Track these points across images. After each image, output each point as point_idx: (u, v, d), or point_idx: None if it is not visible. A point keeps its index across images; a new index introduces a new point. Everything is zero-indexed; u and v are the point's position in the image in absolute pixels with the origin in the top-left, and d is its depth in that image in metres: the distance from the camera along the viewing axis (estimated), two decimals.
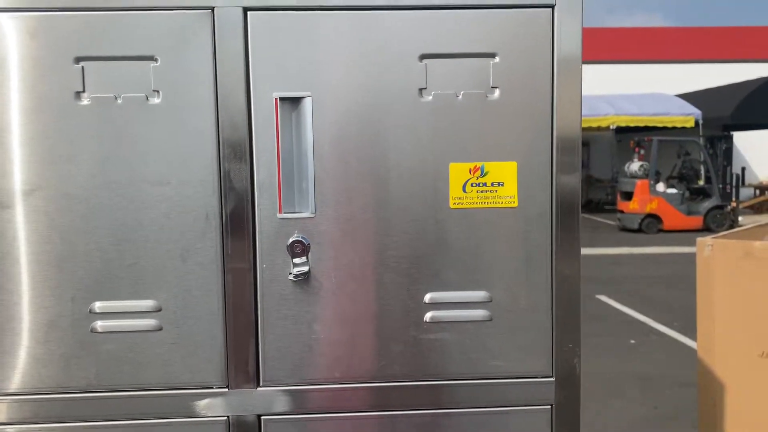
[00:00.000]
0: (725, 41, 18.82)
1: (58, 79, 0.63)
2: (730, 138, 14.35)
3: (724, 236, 2.62)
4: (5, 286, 0.65)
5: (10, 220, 0.65)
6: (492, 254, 0.66)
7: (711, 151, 14.02)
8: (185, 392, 0.66)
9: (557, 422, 0.68)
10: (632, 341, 5.78)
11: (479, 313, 0.67)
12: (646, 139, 13.31)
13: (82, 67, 0.63)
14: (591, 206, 18.29)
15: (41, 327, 0.65)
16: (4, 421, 0.66)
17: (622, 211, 13.56)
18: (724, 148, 14.16)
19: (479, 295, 0.66)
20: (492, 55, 0.65)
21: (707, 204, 13.12)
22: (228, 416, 0.67)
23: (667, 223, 11.70)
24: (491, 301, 0.67)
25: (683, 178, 13.60)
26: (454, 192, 0.65)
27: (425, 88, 0.65)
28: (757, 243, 2.28)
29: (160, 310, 0.65)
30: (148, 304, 0.65)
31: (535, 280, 0.66)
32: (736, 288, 2.30)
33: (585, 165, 18.25)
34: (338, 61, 0.65)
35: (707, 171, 13.30)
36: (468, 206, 0.65)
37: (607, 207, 17.32)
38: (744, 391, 2.27)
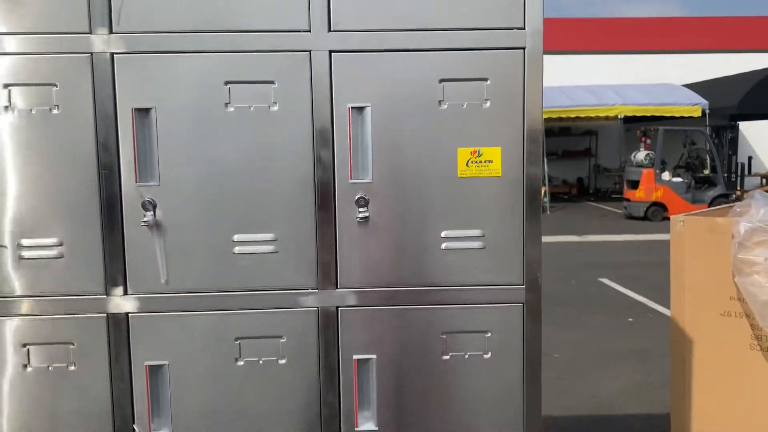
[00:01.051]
0: (733, 31, 18.96)
1: (213, 95, 1.03)
2: (736, 128, 14.56)
3: (694, 214, 3.00)
4: (184, 223, 1.05)
5: (195, 181, 1.04)
6: (485, 206, 1.05)
7: (716, 141, 14.25)
8: (292, 291, 1.05)
9: (526, 315, 1.07)
10: (630, 319, 6.21)
11: (476, 244, 1.06)
12: (652, 128, 13.57)
13: (229, 88, 1.02)
14: (599, 195, 18.55)
15: (202, 249, 1.05)
16: (173, 309, 1.06)
17: (628, 200, 13.86)
18: (729, 137, 14.38)
19: (476, 232, 1.06)
20: (485, 79, 1.03)
21: (712, 192, 13.40)
22: (318, 307, 1.06)
23: (672, 211, 11.99)
24: (484, 236, 1.06)
25: (689, 167, 13.86)
26: (461, 166, 1.04)
27: (442, 100, 1.04)
28: (720, 219, 2.64)
29: (276, 240, 1.05)
30: (269, 236, 1.05)
31: (512, 222, 1.05)
32: (701, 258, 2.67)
33: (592, 154, 18.49)
34: (388, 82, 1.04)
35: (712, 160, 13.56)
36: (469, 176, 1.04)
37: (614, 196, 17.54)
38: (708, 345, 2.65)
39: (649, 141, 13.69)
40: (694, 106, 14.98)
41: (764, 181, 16.34)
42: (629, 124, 17.38)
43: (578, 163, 18.23)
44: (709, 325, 2.62)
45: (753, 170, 16.63)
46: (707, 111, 15.02)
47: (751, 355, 2.49)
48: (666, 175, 13.55)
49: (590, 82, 15.54)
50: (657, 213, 13.46)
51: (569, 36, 15.91)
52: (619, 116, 17.25)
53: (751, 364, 2.51)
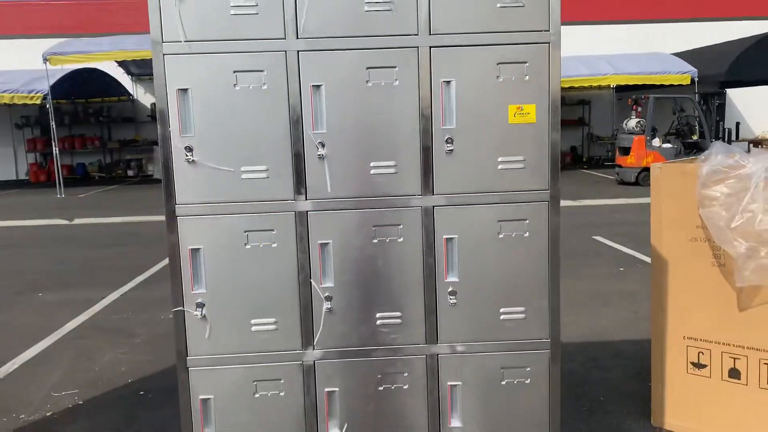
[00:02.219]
0: None
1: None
2: (724, 95, 15.18)
3: (668, 162, 3.72)
4: (341, 156, 1.71)
5: (347, 130, 1.71)
6: (525, 141, 1.73)
7: (705, 108, 14.91)
8: (405, 196, 1.74)
9: (550, 209, 1.76)
10: (621, 269, 7.02)
11: (519, 165, 1.73)
12: (643, 97, 14.20)
13: (369, 71, 1.69)
14: (592, 163, 19.21)
15: (351, 171, 1.73)
16: (334, 208, 1.73)
17: (620, 166, 14.59)
18: (717, 104, 15.04)
19: (520, 157, 1.73)
20: (525, 62, 1.71)
21: None
22: (421, 206, 1.75)
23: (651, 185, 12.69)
24: (524, 159, 1.74)
25: (678, 133, 14.56)
26: (510, 116, 1.71)
27: (499, 76, 1.71)
28: (688, 164, 3.34)
29: (396, 165, 1.72)
30: (392, 162, 1.72)
31: (541, 150, 1.73)
32: (675, 196, 3.37)
33: (586, 123, 19.09)
34: (466, 65, 1.71)
35: (701, 126, 14.24)
36: (515, 122, 1.72)
37: (607, 163, 18.23)
38: (679, 263, 3.37)
39: (640, 109, 14.37)
40: (683, 74, 15.59)
41: (751, 146, 17.03)
42: (621, 93, 18.01)
43: (572, 132, 18.82)
44: (680, 248, 3.36)
45: (740, 136, 17.33)
46: (696, 79, 15.58)
47: (711, 269, 3.23)
48: (656, 142, 14.27)
49: (583, 52, 16.10)
50: (647, 178, 14.22)
51: (563, 8, 16.40)
52: (612, 86, 17.88)
53: (712, 276, 3.25)
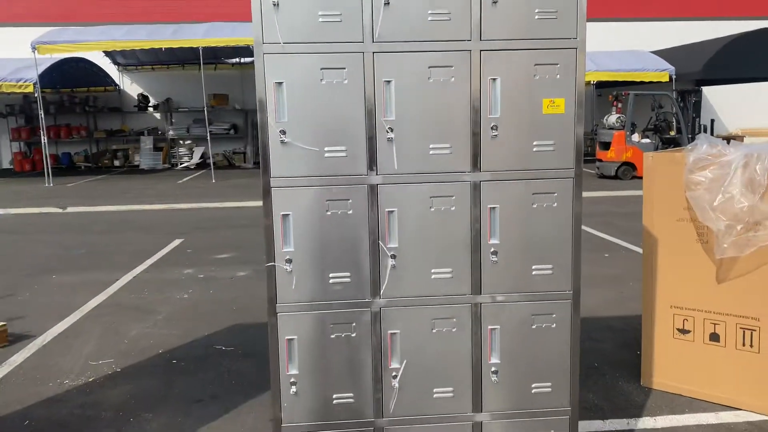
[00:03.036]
0: (698, 0, 20.03)
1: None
2: (700, 92, 15.81)
3: (659, 152, 4.17)
4: (405, 138, 2.10)
5: (411, 117, 2.10)
6: (556, 129, 2.13)
7: (682, 105, 15.53)
8: (457, 172, 2.13)
9: (575, 185, 2.17)
10: (606, 255, 7.55)
11: (550, 148, 2.14)
12: (623, 93, 14.77)
13: (431, 70, 2.08)
14: None
15: (414, 151, 2.12)
16: (400, 182, 2.11)
17: (600, 160, 15.18)
18: (693, 101, 15.67)
19: (550, 141, 2.14)
20: (556, 64, 2.11)
21: None
22: (470, 181, 2.15)
23: (641, 170, 13.21)
24: (554, 144, 2.14)
25: (657, 129, 15.18)
26: (544, 108, 2.11)
27: (536, 75, 2.11)
28: (677, 154, 3.79)
29: (450, 147, 2.12)
30: (447, 145, 2.11)
31: (569, 137, 2.14)
32: (664, 182, 3.82)
33: None
34: (511, 65, 2.11)
35: (678, 123, 14.86)
36: (548, 113, 2.12)
37: (588, 158, 18.78)
38: (668, 241, 3.82)
39: (620, 105, 14.96)
40: (661, 71, 16.16)
41: (725, 141, 17.58)
42: (602, 89, 18.57)
43: None
44: (669, 227, 3.81)
45: (715, 132, 18.03)
46: (674, 76, 16.18)
47: (695, 246, 3.68)
48: (635, 137, 14.89)
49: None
50: (627, 172, 14.85)
51: None
52: (593, 82, 18.42)
53: (696, 252, 3.71)
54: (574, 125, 2.14)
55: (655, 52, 17.01)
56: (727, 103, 19.82)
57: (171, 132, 18.21)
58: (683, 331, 3.72)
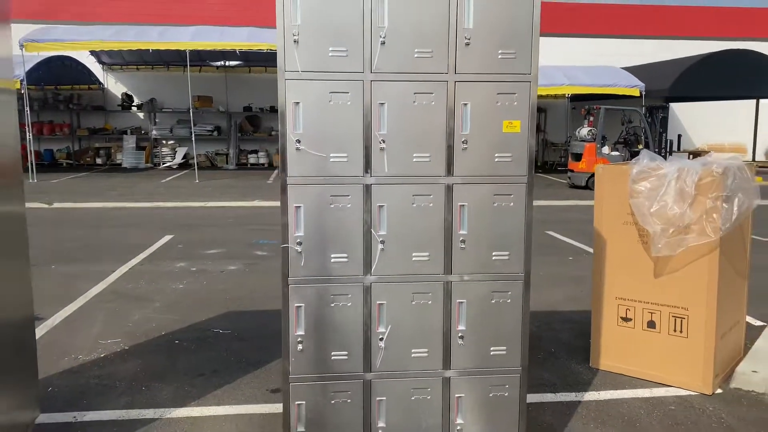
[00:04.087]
0: (667, 19, 21.00)
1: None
2: (667, 108, 16.66)
3: (610, 165, 4.82)
4: (394, 147, 2.68)
5: (398, 131, 2.68)
6: (513, 144, 2.72)
7: (650, 120, 16.37)
8: (434, 176, 2.72)
9: (527, 190, 2.77)
10: (570, 258, 8.23)
11: (508, 159, 2.72)
12: (595, 107, 15.55)
13: (415, 95, 2.66)
14: (546, 167, 20.56)
15: (400, 159, 2.70)
16: (390, 183, 2.69)
17: (572, 171, 15.96)
18: (661, 117, 16.51)
19: (508, 154, 2.72)
20: (515, 93, 2.71)
21: None
22: (444, 183, 2.74)
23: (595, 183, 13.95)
24: (512, 156, 2.73)
25: (626, 142, 15.99)
26: (504, 127, 2.71)
27: (498, 102, 2.70)
28: (623, 166, 4.42)
29: (429, 155, 2.70)
30: (427, 155, 2.69)
31: (524, 150, 2.73)
32: (612, 190, 4.44)
33: (541, 130, 20.42)
34: (478, 94, 2.70)
35: (646, 137, 15.67)
36: (507, 132, 2.72)
37: (560, 168, 19.56)
38: (615, 241, 4.44)
39: (592, 119, 15.74)
40: (632, 87, 16.96)
41: (691, 156, 18.59)
42: (575, 103, 19.38)
43: None
44: (616, 229, 4.44)
45: (681, 147, 18.94)
46: (643, 92, 16.98)
47: (637, 245, 4.31)
48: (606, 149, 15.69)
49: (541, 63, 17.37)
50: None
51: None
52: (567, 95, 19.24)
53: (637, 250, 4.33)
54: (527, 141, 2.75)
55: (627, 69, 17.85)
56: (693, 119, 20.75)
57: (154, 132, 18.60)
58: (626, 319, 4.36)
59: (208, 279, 6.83)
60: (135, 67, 18.86)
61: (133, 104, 18.98)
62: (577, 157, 14.99)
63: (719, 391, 4.11)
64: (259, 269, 7.27)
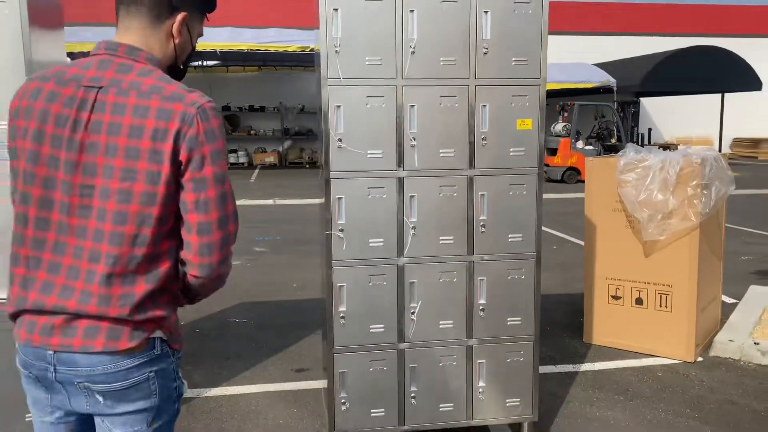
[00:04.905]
0: (638, 16, 21.73)
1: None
2: (638, 103, 17.33)
3: (598, 157, 5.28)
4: (421, 144, 3.08)
5: (427, 130, 3.08)
6: (526, 139, 3.14)
7: (622, 115, 17.02)
8: (457, 168, 3.13)
9: (537, 180, 3.19)
10: (554, 247, 8.73)
11: (522, 153, 3.15)
12: (569, 103, 16.12)
13: (441, 97, 3.06)
14: None
15: (428, 152, 3.10)
16: (416, 176, 3.09)
17: (548, 165, 16.53)
18: (632, 112, 17.17)
19: (522, 148, 3.15)
20: (526, 95, 3.13)
21: None
22: (467, 175, 3.14)
23: (585, 174, 14.54)
24: (525, 150, 3.15)
25: (599, 137, 16.61)
26: (517, 125, 3.12)
27: (512, 103, 3.12)
28: (611, 159, 4.88)
29: (454, 151, 3.11)
30: (451, 150, 3.10)
31: (535, 143, 3.15)
32: (601, 180, 4.91)
33: None
34: (498, 95, 3.12)
35: (618, 131, 16.29)
36: (520, 129, 3.13)
37: None
38: (604, 227, 4.91)
39: (566, 114, 16.31)
40: (604, 83, 17.53)
41: (661, 149, 19.21)
42: (549, 99, 19.94)
43: None
44: (605, 216, 4.90)
45: (652, 140, 19.66)
46: (615, 88, 17.60)
47: (625, 230, 4.77)
48: (580, 144, 16.31)
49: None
50: (572, 176, 16.24)
51: None
52: None
53: (625, 235, 4.80)
54: (537, 137, 3.17)
55: (598, 65, 18.48)
56: (662, 113, 21.52)
57: None
58: (616, 298, 4.82)
59: None
60: None
61: None
62: (553, 151, 15.55)
63: (700, 359, 4.61)
64: (261, 264, 7.61)
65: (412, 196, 3.12)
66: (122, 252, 1.47)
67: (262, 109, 20.64)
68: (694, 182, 4.36)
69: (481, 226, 3.19)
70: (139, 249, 1.48)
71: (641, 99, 18.87)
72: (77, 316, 1.49)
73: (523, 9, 3.08)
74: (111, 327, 1.50)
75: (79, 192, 1.48)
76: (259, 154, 20.02)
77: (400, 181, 3.11)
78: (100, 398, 1.55)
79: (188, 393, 4.09)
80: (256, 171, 19.09)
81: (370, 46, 2.99)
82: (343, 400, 3.17)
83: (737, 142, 22.18)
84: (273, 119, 20.84)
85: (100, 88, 1.50)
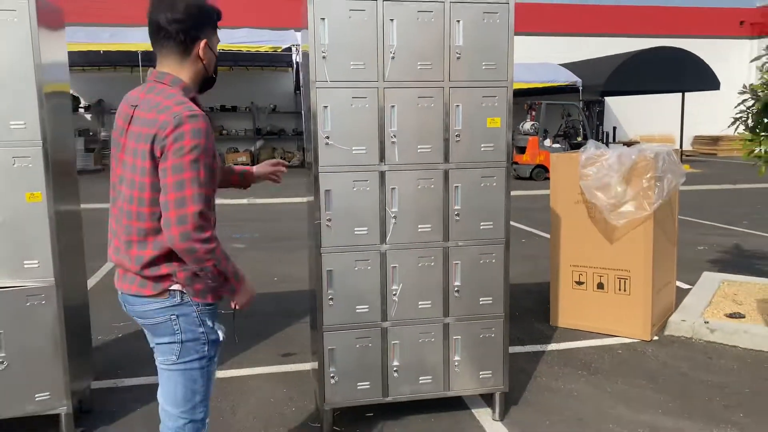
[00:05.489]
0: (603, 18, 22.34)
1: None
2: (603, 102, 17.90)
3: (562, 153, 5.69)
4: (403, 141, 3.41)
5: (411, 127, 3.42)
6: (495, 135, 3.49)
7: (587, 113, 17.56)
8: (435, 162, 3.47)
9: (506, 174, 3.54)
10: (523, 240, 9.14)
11: (491, 148, 3.49)
12: (536, 102, 16.59)
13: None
14: None
15: (414, 147, 3.43)
16: (403, 169, 3.43)
17: (516, 163, 17.00)
18: (597, 110, 17.71)
19: (491, 144, 3.49)
20: (495, 96, 3.48)
21: None
22: (442, 169, 3.48)
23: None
24: (494, 145, 3.50)
25: (566, 135, 17.13)
26: (488, 123, 3.46)
27: (484, 104, 3.47)
28: (574, 154, 5.27)
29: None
30: (427, 146, 3.44)
31: (502, 141, 3.50)
32: (565, 173, 5.30)
33: None
34: (471, 96, 3.46)
35: (584, 129, 16.83)
36: (489, 126, 3.48)
37: None
38: (568, 217, 5.30)
39: (534, 113, 16.80)
40: (570, 83, 18.05)
41: (625, 146, 19.81)
42: (517, 98, 20.41)
43: None
44: (568, 207, 5.29)
45: (617, 138, 20.28)
46: (580, 87, 18.12)
47: (587, 220, 5.17)
48: (547, 142, 16.81)
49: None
50: (540, 173, 16.74)
51: None
52: None
53: (587, 224, 5.20)
54: (505, 134, 3.53)
55: (564, 65, 19.03)
56: (626, 112, 22.20)
57: (104, 134, 18.71)
58: (579, 283, 5.22)
59: None
60: (81, 68, 18.90)
61: (81, 106, 19.03)
62: (521, 150, 16.03)
63: (656, 338, 5.03)
64: (240, 259, 7.87)
65: (393, 188, 3.45)
66: (131, 224, 2.09)
67: (234, 109, 20.77)
68: (648, 175, 4.77)
69: (456, 215, 3.53)
70: (140, 223, 2.07)
71: (606, 98, 19.47)
72: (124, 269, 2.17)
73: (492, 18, 3.44)
74: (140, 279, 2.13)
75: (119, 180, 2.18)
76: (231, 154, 20.16)
77: (382, 175, 3.43)
78: (146, 330, 2.26)
79: None
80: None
81: (355, 52, 3.32)
82: (332, 375, 3.49)
83: (698, 139, 22.99)
84: (245, 119, 20.99)
85: (136, 106, 2.13)
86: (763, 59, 5.39)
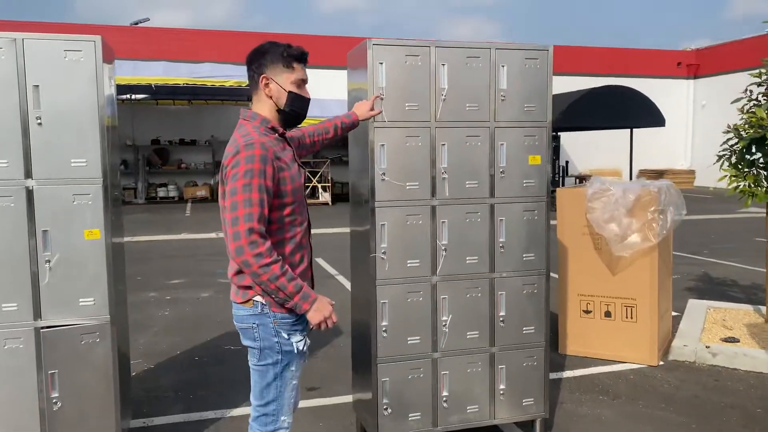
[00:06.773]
0: (558, 58, 23.13)
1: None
2: (558, 137, 18.46)
3: (568, 187, 5.94)
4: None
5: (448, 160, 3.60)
6: (536, 172, 3.70)
7: None
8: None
9: (546, 205, 3.76)
10: None
11: (534, 183, 3.71)
12: None
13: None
14: None
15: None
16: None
17: None
18: (553, 145, 18.26)
19: (533, 180, 3.70)
20: (535, 136, 3.71)
21: None
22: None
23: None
24: (535, 181, 3.71)
25: None
26: (529, 160, 3.68)
27: (526, 143, 3.69)
28: (580, 188, 5.54)
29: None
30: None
31: (543, 177, 3.71)
32: (571, 207, 5.56)
33: None
34: (516, 134, 3.67)
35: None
36: (531, 163, 3.69)
37: None
38: (575, 248, 5.55)
39: None
40: None
41: (577, 180, 20.55)
42: None
43: None
44: (575, 239, 5.54)
45: (569, 172, 21.00)
46: None
47: (593, 252, 5.43)
48: None
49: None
50: None
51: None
52: None
53: (593, 255, 5.45)
54: (545, 171, 3.75)
55: None
56: (577, 147, 23.06)
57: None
58: (587, 312, 5.45)
59: (189, 305, 7.33)
60: None
61: None
62: None
63: (662, 362, 5.29)
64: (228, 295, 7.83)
65: (443, 222, 3.61)
66: (227, 243, 2.35)
67: (193, 142, 20.61)
68: (652, 208, 5.08)
69: (501, 247, 3.72)
70: (228, 243, 2.33)
71: (560, 134, 20.18)
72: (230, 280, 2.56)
73: (533, 64, 3.68)
74: (235, 287, 2.53)
75: (222, 208, 2.42)
76: (190, 188, 19.93)
77: (433, 209, 3.59)
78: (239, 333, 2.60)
79: (210, 415, 4.36)
80: (189, 205, 19.01)
81: (409, 94, 3.49)
82: (385, 407, 3.58)
83: (643, 172, 24.04)
84: (204, 153, 20.82)
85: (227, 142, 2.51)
86: (743, 101, 5.85)
